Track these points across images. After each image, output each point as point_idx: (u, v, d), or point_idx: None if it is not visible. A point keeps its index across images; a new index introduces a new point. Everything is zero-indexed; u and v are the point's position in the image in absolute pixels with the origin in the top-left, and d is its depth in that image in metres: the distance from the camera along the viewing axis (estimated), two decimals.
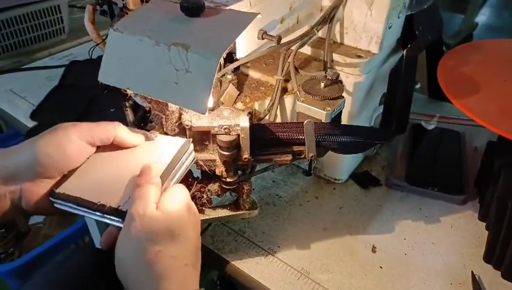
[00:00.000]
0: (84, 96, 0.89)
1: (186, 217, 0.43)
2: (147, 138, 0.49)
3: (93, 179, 0.44)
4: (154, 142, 0.49)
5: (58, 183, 0.44)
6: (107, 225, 0.44)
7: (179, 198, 0.44)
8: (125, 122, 0.52)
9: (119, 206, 0.41)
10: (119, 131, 0.47)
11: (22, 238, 1.23)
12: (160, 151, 0.47)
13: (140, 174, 0.43)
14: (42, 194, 0.44)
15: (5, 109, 0.90)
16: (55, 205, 0.44)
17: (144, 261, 0.38)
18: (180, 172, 0.47)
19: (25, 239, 1.23)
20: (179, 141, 0.47)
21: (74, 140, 0.44)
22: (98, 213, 0.42)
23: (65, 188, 0.44)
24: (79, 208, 0.43)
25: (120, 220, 0.41)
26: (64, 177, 0.45)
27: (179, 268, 0.40)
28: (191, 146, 0.48)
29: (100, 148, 0.48)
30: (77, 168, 0.46)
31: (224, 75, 0.54)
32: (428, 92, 0.91)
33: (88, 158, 0.46)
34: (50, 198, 0.44)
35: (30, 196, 0.44)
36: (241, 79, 0.61)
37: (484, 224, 0.65)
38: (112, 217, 0.42)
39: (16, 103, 0.92)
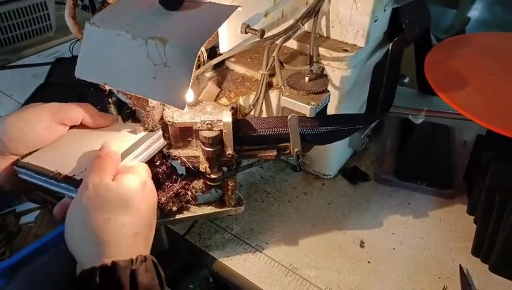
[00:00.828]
0: (70, 93, 0.87)
1: (140, 191, 0.42)
2: (113, 122, 0.50)
3: (59, 153, 0.46)
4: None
5: (26, 155, 0.45)
6: None
7: (136, 173, 0.44)
8: None
9: (74, 175, 0.42)
10: (87, 112, 0.48)
11: (13, 238, 1.22)
12: (129, 132, 0.48)
13: (100, 148, 0.44)
14: (10, 170, 0.44)
15: None
16: (19, 174, 0.45)
17: (92, 226, 0.38)
18: (145, 154, 0.48)
19: (15, 239, 1.22)
20: None
21: (44, 119, 0.45)
22: (53, 181, 0.42)
23: (30, 159, 0.45)
24: (38, 176, 0.43)
25: (73, 189, 0.41)
26: (33, 152, 0.46)
27: (127, 236, 0.39)
28: (160, 132, 0.49)
29: (76, 128, 0.49)
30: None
31: (202, 72, 0.53)
32: (417, 87, 0.90)
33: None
34: (14, 166, 0.44)
35: None
36: (225, 74, 0.60)
37: (472, 218, 0.65)
38: (65, 186, 0.42)
39: (1, 101, 0.91)
